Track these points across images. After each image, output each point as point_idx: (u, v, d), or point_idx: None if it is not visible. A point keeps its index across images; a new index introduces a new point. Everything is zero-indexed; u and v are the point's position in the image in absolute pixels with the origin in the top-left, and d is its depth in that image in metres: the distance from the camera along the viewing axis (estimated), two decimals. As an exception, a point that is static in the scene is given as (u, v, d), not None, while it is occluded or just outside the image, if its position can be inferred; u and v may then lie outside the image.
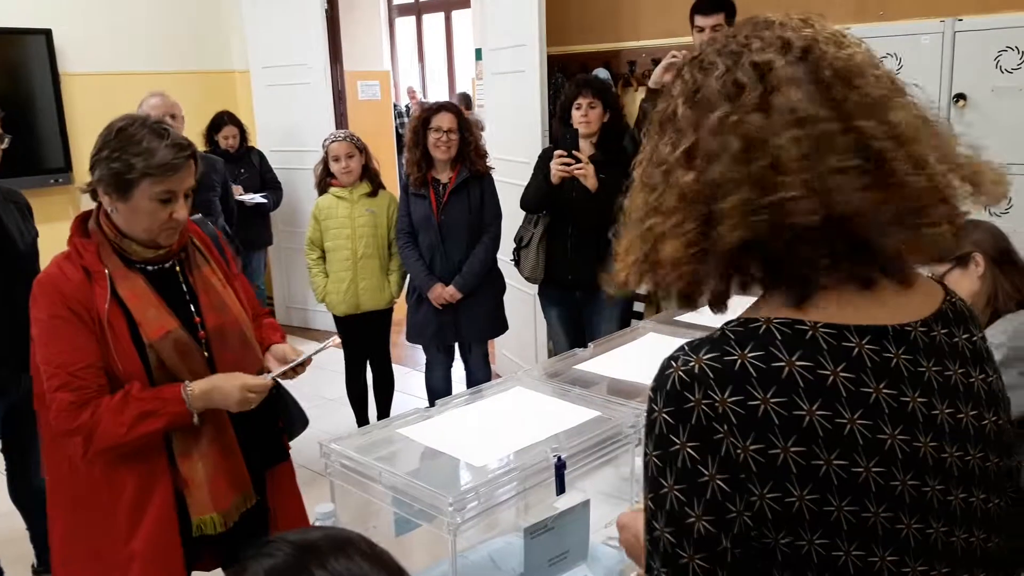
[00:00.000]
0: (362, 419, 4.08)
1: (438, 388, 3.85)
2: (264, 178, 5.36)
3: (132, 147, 1.70)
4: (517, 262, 3.61)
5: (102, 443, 1.70)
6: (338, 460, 1.48)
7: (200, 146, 5.37)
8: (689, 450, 0.80)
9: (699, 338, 0.85)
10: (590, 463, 1.54)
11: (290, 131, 5.80)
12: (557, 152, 3.26)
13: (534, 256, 3.49)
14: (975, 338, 0.92)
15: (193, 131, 5.39)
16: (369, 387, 4.08)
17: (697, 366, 0.82)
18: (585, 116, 3.32)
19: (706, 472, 0.80)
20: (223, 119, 5.30)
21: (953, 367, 0.87)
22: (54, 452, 1.84)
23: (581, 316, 3.59)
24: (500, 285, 3.78)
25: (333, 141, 3.75)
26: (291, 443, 2.09)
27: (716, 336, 0.84)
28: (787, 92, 0.82)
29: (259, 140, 5.80)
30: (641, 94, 3.94)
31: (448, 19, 10.07)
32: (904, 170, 0.81)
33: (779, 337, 0.82)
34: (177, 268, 1.86)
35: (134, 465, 1.75)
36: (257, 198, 5.22)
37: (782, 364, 0.80)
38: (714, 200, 0.85)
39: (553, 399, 1.76)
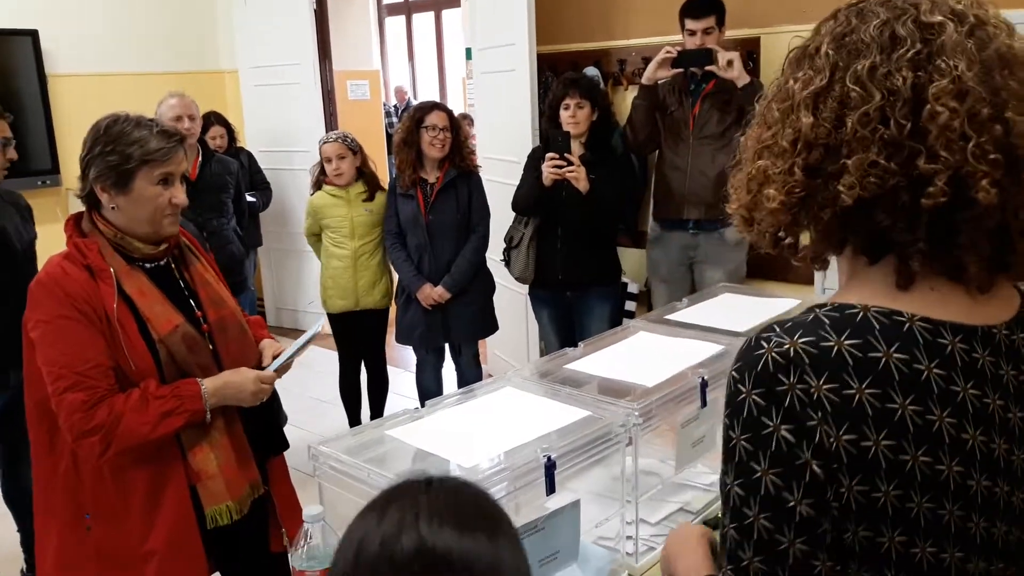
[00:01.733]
0: (355, 419, 4.07)
1: (429, 388, 3.84)
2: (253, 179, 5.34)
3: (124, 139, 1.75)
4: (507, 262, 3.60)
5: (124, 442, 1.69)
6: (327, 462, 1.47)
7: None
8: (784, 433, 0.78)
9: (789, 320, 0.84)
10: (580, 463, 1.53)
11: (279, 131, 5.77)
12: (549, 155, 3.25)
13: (524, 256, 3.49)
14: None
15: (182, 132, 5.37)
16: (363, 387, 4.07)
17: (792, 349, 0.80)
18: (573, 116, 3.32)
19: (803, 456, 0.78)
20: (210, 119, 5.26)
21: (1015, 369, 0.86)
22: (47, 460, 1.82)
23: (572, 316, 3.58)
24: (490, 285, 3.77)
25: (325, 142, 3.74)
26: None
27: (809, 320, 0.83)
28: (953, 59, 0.78)
29: (248, 140, 5.77)
30: (632, 92, 3.94)
31: (438, 18, 10.07)
32: None
33: (877, 327, 0.81)
34: (172, 265, 1.89)
35: (145, 463, 1.75)
36: (247, 198, 5.20)
37: (879, 355, 0.79)
38: (835, 153, 0.82)
39: (543, 399, 1.75)
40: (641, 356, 2.02)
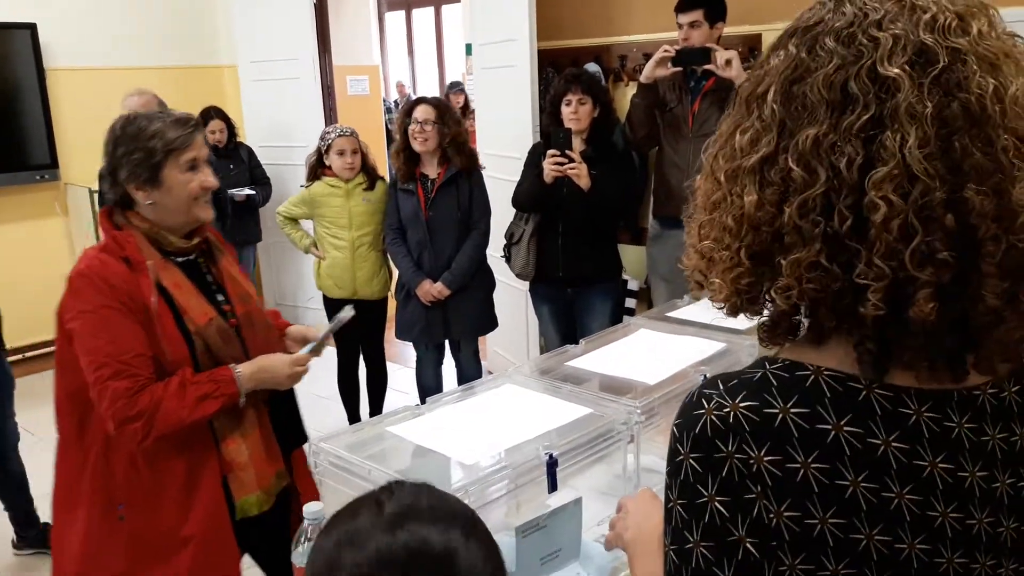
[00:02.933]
0: (353, 415, 4.06)
1: (429, 385, 3.83)
2: (253, 173, 5.32)
3: (143, 135, 1.79)
4: (508, 258, 3.59)
5: (164, 427, 1.72)
6: (327, 459, 1.46)
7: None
8: (718, 505, 0.73)
9: (736, 375, 0.77)
10: (582, 460, 1.53)
11: (279, 126, 5.75)
12: (550, 152, 3.24)
13: (525, 253, 3.47)
14: None
15: (181, 126, 5.35)
16: (362, 383, 4.06)
17: (733, 413, 0.73)
18: (575, 112, 3.30)
19: (736, 532, 0.72)
20: (210, 114, 5.25)
21: (1020, 431, 0.77)
22: (75, 450, 1.83)
23: (572, 313, 3.57)
24: (490, 282, 3.76)
25: (341, 135, 3.72)
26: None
27: (756, 378, 0.75)
28: (903, 131, 0.66)
29: (248, 135, 5.76)
30: (633, 88, 3.92)
31: (438, 13, 10.05)
32: (991, 279, 0.68)
33: (828, 394, 0.73)
34: (200, 260, 1.94)
35: (181, 453, 1.79)
36: (245, 191, 5.18)
37: (828, 428, 0.72)
38: (777, 244, 0.72)
39: (545, 396, 1.74)
40: (642, 353, 2.01)
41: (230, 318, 1.90)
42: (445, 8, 9.87)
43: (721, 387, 0.75)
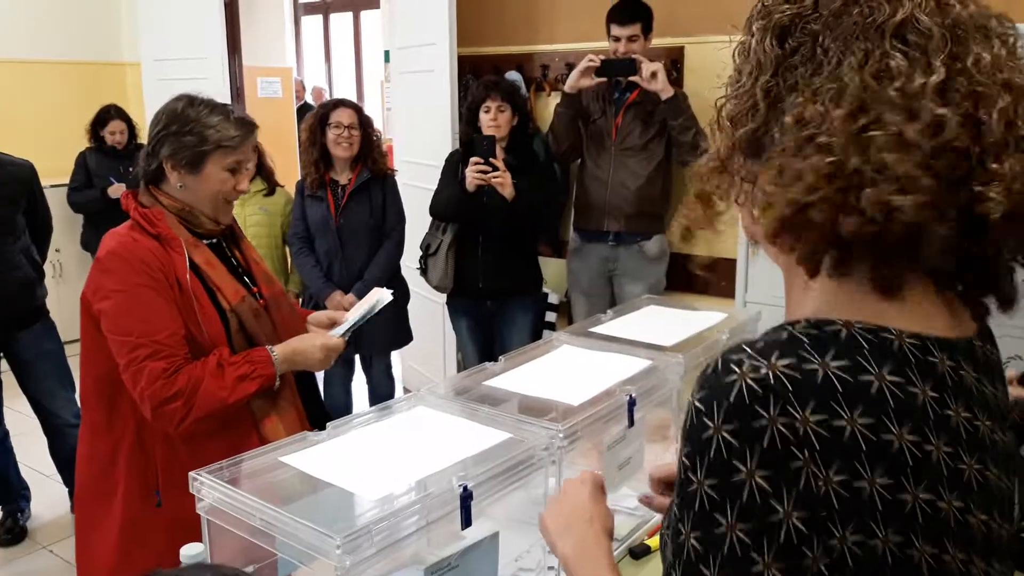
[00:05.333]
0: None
1: (338, 403, 3.64)
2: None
3: (201, 121, 1.79)
4: (424, 270, 3.43)
5: (204, 408, 1.70)
6: (211, 493, 1.28)
7: (84, 142, 5.02)
8: (759, 480, 0.66)
9: (759, 339, 0.72)
10: (500, 490, 1.40)
11: (184, 128, 5.46)
12: (473, 159, 3.11)
13: (443, 264, 3.32)
14: (995, 353, 0.83)
15: (78, 125, 5.02)
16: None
17: (771, 374, 0.67)
18: (495, 120, 3.19)
19: (780, 509, 0.65)
20: (110, 113, 4.97)
21: (991, 385, 0.77)
22: (105, 439, 1.80)
23: (492, 326, 3.44)
24: (404, 293, 3.60)
25: None
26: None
27: (783, 339, 0.70)
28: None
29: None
30: (554, 98, 3.84)
31: (356, 19, 9.87)
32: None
33: (866, 346, 0.69)
34: (223, 244, 1.94)
35: (221, 434, 1.75)
36: (123, 188, 4.88)
37: (871, 379, 0.68)
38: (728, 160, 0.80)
39: (460, 419, 1.61)
40: (565, 371, 1.90)
41: (258, 299, 1.91)
42: (363, 14, 9.68)
43: (748, 349, 0.70)
